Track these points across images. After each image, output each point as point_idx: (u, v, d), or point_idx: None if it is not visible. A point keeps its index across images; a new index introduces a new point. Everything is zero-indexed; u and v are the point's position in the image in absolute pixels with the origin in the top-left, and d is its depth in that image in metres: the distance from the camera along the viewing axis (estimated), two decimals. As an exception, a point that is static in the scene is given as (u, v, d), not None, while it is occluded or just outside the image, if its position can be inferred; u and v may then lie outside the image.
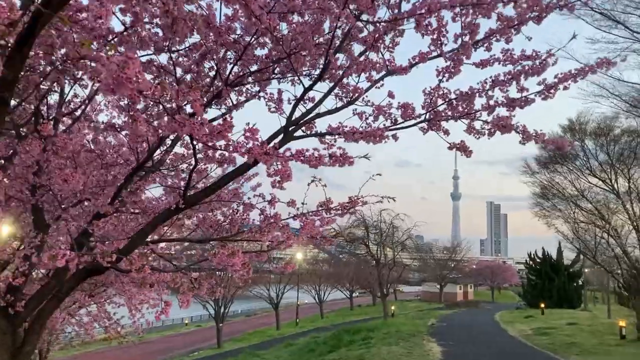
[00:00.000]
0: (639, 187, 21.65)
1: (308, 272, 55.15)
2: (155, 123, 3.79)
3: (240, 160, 4.17)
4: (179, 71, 4.95)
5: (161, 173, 5.75)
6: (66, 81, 5.41)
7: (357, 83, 4.30)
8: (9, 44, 2.86)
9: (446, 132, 4.40)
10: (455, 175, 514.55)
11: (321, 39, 4.36)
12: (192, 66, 4.98)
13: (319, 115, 4.35)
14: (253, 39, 4.47)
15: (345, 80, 4.53)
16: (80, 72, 4.16)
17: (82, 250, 4.44)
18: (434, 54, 4.24)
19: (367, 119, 4.28)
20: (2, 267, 5.63)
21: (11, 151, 4.83)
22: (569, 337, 20.21)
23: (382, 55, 4.41)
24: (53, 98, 6.03)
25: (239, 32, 4.32)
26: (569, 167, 24.68)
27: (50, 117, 5.81)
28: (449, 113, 4.23)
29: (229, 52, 4.70)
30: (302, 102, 4.54)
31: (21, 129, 4.79)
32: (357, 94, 4.29)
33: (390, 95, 4.42)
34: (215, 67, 4.82)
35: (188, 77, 4.81)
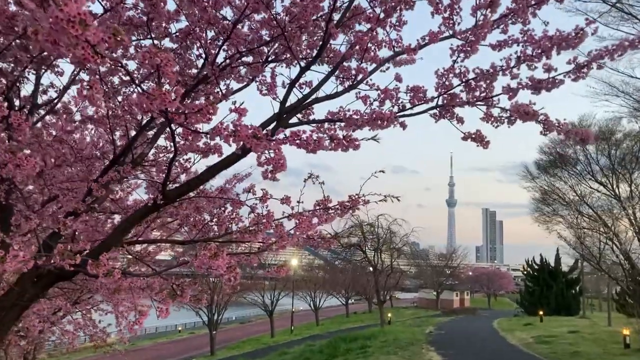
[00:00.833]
0: (641, 192, 21.25)
1: (303, 279, 54.52)
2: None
3: (228, 150, 3.67)
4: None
5: (145, 169, 5.24)
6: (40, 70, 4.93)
7: (360, 63, 3.79)
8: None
9: (460, 120, 3.90)
10: (450, 182, 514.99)
11: (320, 14, 3.87)
12: (180, 51, 4.49)
13: (317, 100, 3.84)
14: (243, 15, 3.99)
15: (346, 63, 4.05)
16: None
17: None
18: (446, 34, 3.77)
19: (371, 104, 3.77)
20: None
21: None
22: (571, 345, 19.69)
23: (388, 35, 3.93)
24: (28, 89, 5.56)
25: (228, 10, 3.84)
26: (569, 172, 24.30)
27: (23, 107, 5.32)
28: (464, 98, 3.73)
29: (216, 34, 4.24)
30: (298, 87, 4.05)
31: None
32: (360, 76, 3.78)
33: (398, 78, 3.93)
34: (202, 51, 4.33)
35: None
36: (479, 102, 3.75)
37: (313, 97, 3.90)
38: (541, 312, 35.61)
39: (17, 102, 5.19)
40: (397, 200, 4.90)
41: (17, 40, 4.06)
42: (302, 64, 3.78)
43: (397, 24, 3.92)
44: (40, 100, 5.49)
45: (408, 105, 3.75)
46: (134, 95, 2.71)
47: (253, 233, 3.48)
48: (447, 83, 3.63)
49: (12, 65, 4.87)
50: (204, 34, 4.20)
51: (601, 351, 18.06)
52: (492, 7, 3.46)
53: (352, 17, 3.92)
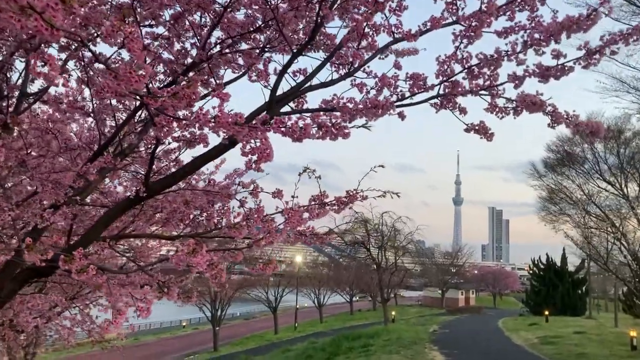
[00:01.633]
0: (650, 191, 20.89)
1: (307, 276, 54.36)
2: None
3: (216, 140, 3.46)
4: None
5: (136, 160, 5.03)
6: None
7: (357, 49, 3.56)
8: None
9: (463, 111, 3.66)
10: (457, 181, 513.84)
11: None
12: (172, 38, 4.27)
13: (311, 88, 3.61)
14: (235, -1, 3.77)
15: (343, 51, 3.82)
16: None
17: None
18: (450, 19, 3.53)
19: (368, 92, 3.54)
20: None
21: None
22: (577, 347, 19.40)
23: (388, 19, 3.70)
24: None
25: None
26: (577, 170, 23.97)
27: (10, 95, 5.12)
28: (467, 87, 3.50)
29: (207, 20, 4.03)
30: (292, 75, 3.82)
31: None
32: (357, 62, 3.56)
33: (397, 66, 3.70)
34: (192, 37, 4.12)
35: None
36: (482, 91, 3.51)
37: (307, 85, 3.69)
38: (547, 312, 35.28)
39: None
40: (397, 196, 4.68)
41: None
42: (295, 49, 3.55)
43: (397, 8, 3.69)
44: (29, 89, 5.30)
45: (407, 94, 3.53)
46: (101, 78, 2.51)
47: (238, 228, 3.25)
48: (448, 70, 3.40)
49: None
50: (194, 18, 4.00)
51: (608, 353, 17.77)
52: (498, -12, 3.23)
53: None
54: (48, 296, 10.24)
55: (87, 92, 4.75)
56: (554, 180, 25.48)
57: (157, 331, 51.11)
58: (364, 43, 3.67)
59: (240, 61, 4.28)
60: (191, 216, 3.93)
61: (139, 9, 3.88)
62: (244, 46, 4.20)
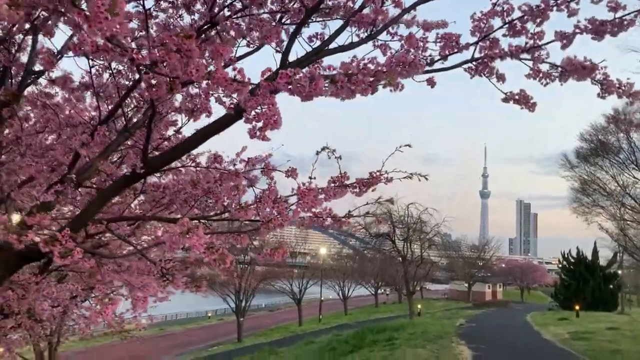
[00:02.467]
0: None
1: (332, 268, 54.01)
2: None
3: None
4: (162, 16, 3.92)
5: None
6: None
7: (380, 5, 3.14)
8: None
9: (501, 78, 3.22)
10: (484, 173, 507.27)
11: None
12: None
13: (327, 52, 3.21)
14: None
15: (364, 12, 3.40)
16: None
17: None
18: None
19: (392, 55, 3.12)
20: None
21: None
22: (610, 343, 18.65)
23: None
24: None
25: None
26: (611, 161, 23.07)
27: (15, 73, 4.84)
28: (506, 49, 3.05)
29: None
30: (308, 40, 3.44)
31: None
32: (380, 22, 3.14)
33: (426, 27, 3.28)
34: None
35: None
36: (524, 54, 3.06)
37: (324, 49, 3.28)
38: (577, 307, 34.30)
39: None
40: (425, 178, 4.26)
41: None
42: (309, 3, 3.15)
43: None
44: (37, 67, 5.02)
45: (437, 58, 3.10)
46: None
47: (244, 209, 2.88)
48: (486, 27, 2.95)
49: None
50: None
51: (644, 350, 17.03)
52: None
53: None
54: (64, 285, 10.07)
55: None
56: (586, 171, 24.65)
57: (184, 321, 51.44)
58: (388, 1, 3.26)
59: (254, 34, 3.90)
60: (197, 198, 3.56)
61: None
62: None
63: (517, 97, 3.23)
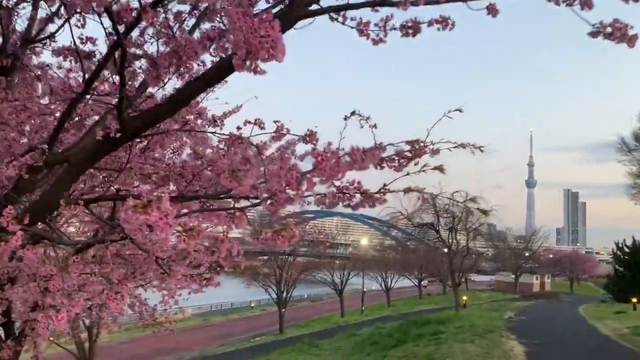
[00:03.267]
0: None
1: (374, 259, 53.11)
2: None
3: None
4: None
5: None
6: None
7: None
8: None
9: (586, 4, 2.41)
10: (530, 162, 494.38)
11: None
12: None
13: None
14: None
15: None
16: None
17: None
18: None
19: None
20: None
21: None
22: (676, 339, 17.28)
23: None
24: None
25: None
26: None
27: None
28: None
29: None
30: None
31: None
32: None
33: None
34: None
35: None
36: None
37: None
38: (634, 300, 32.47)
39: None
40: (480, 150, 3.43)
41: None
42: None
43: None
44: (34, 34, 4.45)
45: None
46: None
47: (236, 177, 2.15)
48: None
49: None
50: None
51: None
52: None
53: None
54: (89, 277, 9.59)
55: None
56: (646, 154, 22.98)
57: (227, 311, 51.59)
58: None
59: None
60: (197, 172, 2.86)
61: None
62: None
63: (609, 28, 2.42)
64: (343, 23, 2.44)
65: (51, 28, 4.37)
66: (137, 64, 3.01)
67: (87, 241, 2.82)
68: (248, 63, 1.59)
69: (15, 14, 4.35)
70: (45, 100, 3.60)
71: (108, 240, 2.64)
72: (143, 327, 11.60)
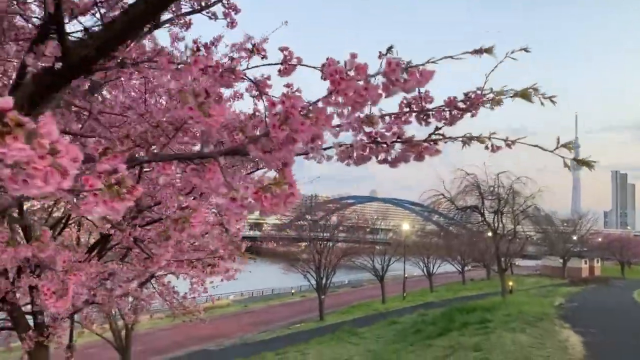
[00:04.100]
0: None
1: (415, 244, 51.99)
2: None
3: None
4: None
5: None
6: None
7: None
8: None
9: None
10: (575, 144, 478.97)
11: None
12: None
13: None
14: None
15: None
16: None
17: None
18: None
19: None
20: None
21: None
22: None
23: None
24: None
25: None
26: None
27: None
28: None
29: None
30: None
31: None
32: None
33: None
34: None
35: None
36: None
37: None
38: (694, 285, 30.63)
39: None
40: (552, 101, 2.55)
41: None
42: None
43: None
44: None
45: None
46: None
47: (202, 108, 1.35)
48: None
49: None
50: None
51: None
52: None
53: None
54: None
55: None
56: None
57: (268, 298, 51.47)
58: None
59: None
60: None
61: None
62: None
63: None
64: None
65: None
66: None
67: None
68: None
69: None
70: None
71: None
72: (173, 316, 11.11)
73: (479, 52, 1.74)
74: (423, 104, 1.87)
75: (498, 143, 1.97)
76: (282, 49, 1.98)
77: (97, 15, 2.02)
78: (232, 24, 2.61)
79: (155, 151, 2.15)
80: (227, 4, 2.51)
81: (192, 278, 9.63)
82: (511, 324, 16.05)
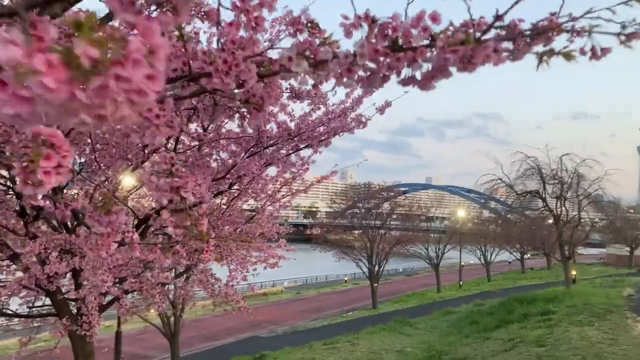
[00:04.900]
0: None
1: (471, 232, 50.42)
2: None
3: None
4: None
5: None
6: None
7: None
8: None
9: None
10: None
11: None
12: None
13: None
14: None
15: None
16: None
17: None
18: None
19: None
20: None
21: None
22: None
23: None
24: None
25: None
26: None
27: None
28: None
29: None
30: None
31: None
32: None
33: None
34: None
35: None
36: None
37: None
38: None
39: None
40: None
41: None
42: None
43: None
44: None
45: None
46: None
47: None
48: None
49: None
50: None
51: None
52: None
53: None
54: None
55: None
56: None
57: (320, 285, 51.31)
58: None
59: None
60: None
61: None
62: None
63: None
64: None
65: None
66: None
67: None
68: None
69: None
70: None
71: None
72: (214, 305, 10.68)
73: None
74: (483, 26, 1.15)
75: (603, 44, 1.21)
76: None
77: None
78: None
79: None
80: None
81: (230, 265, 9.18)
82: (577, 316, 14.83)
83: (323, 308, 35.36)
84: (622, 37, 1.17)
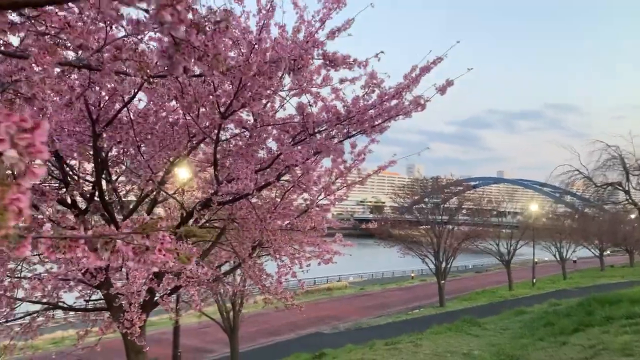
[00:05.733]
0: None
1: (546, 227, 47.92)
2: None
3: None
4: None
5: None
6: None
7: None
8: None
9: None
10: None
11: None
12: None
13: None
14: None
15: None
16: None
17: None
18: None
19: None
20: None
21: None
22: None
23: None
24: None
25: None
26: None
27: None
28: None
29: None
30: None
31: None
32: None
33: None
34: None
35: None
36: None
37: None
38: None
39: None
40: None
41: None
42: None
43: None
44: None
45: None
46: None
47: None
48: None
49: None
50: None
51: None
52: None
53: None
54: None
55: None
56: None
57: (386, 281, 50.43)
58: None
59: None
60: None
61: None
62: None
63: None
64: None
65: None
66: None
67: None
68: None
69: None
70: None
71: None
72: (265, 302, 10.24)
73: None
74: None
75: None
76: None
77: None
78: None
79: None
80: None
81: (281, 261, 8.68)
82: (669, 321, 13.33)
83: (388, 305, 34.50)
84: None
